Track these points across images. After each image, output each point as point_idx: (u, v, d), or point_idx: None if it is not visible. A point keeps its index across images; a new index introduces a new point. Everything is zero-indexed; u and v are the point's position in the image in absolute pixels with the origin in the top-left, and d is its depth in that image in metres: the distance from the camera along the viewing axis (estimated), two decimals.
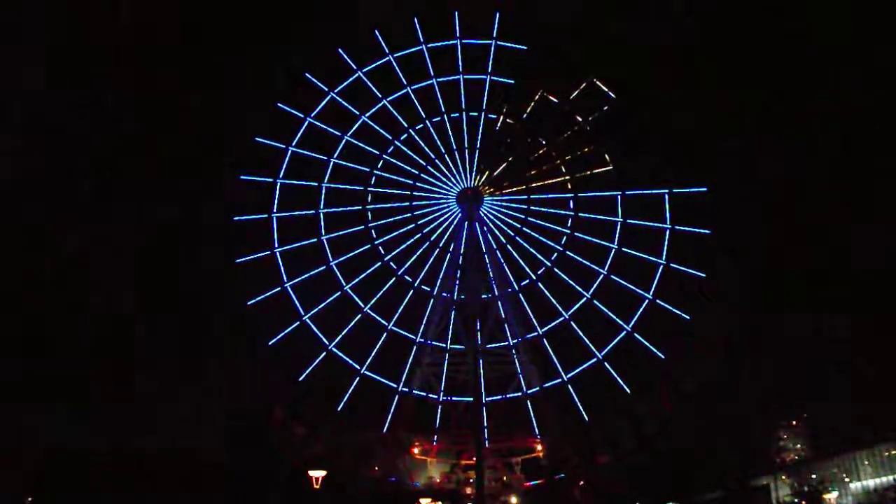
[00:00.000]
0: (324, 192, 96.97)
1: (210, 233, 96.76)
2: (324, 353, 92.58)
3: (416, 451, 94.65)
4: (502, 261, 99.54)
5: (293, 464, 68.85)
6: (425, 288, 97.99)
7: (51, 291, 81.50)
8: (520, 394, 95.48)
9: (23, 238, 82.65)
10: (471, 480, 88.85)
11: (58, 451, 65.74)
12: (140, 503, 63.51)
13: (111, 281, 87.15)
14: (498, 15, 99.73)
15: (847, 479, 73.61)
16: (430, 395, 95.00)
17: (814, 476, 73.43)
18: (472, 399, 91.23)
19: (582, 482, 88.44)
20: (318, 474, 48.52)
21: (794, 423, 78.48)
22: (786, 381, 77.76)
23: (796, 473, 74.66)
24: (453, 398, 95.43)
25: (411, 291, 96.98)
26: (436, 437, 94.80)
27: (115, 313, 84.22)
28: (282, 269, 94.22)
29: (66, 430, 68.59)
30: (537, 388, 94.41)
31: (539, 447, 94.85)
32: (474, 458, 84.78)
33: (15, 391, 68.06)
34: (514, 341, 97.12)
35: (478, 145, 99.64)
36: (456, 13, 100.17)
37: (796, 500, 73.03)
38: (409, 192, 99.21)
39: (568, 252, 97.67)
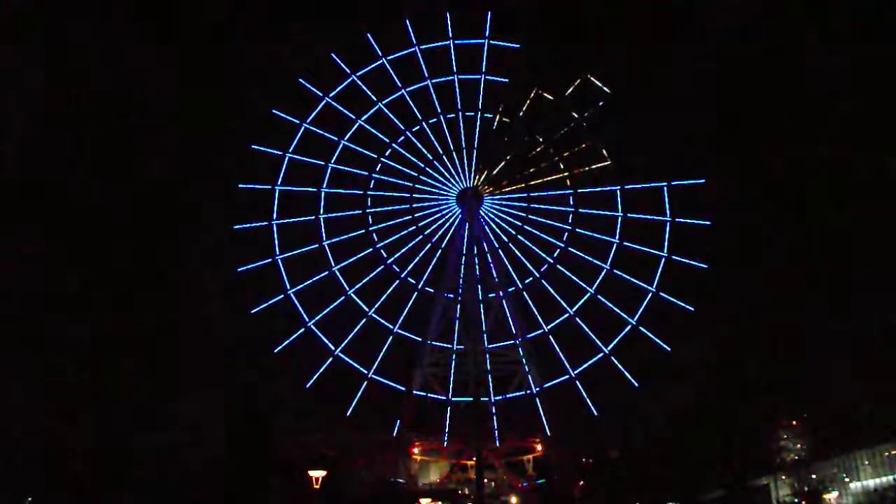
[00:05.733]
0: (323, 197, 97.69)
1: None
2: (330, 359, 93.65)
3: (415, 451, 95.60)
4: (505, 259, 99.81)
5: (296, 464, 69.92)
6: (429, 290, 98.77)
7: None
8: (523, 392, 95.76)
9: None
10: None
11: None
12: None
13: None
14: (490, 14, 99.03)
15: (847, 479, 72.87)
16: (438, 397, 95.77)
17: (814, 476, 72.73)
18: (472, 399, 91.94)
19: (582, 482, 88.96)
20: (318, 474, 48.30)
21: (795, 423, 77.70)
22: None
23: (796, 473, 73.97)
24: (459, 399, 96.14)
25: (415, 293, 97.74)
26: (446, 438, 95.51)
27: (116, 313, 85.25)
28: (284, 276, 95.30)
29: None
30: (538, 389, 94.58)
31: (539, 447, 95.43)
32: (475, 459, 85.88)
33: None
34: (519, 340, 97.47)
35: (475, 145, 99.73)
36: (448, 14, 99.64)
37: (796, 500, 72.52)
38: (408, 195, 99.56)
39: (570, 248, 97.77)
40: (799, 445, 76.73)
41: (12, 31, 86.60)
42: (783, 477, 76.12)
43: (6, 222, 78.49)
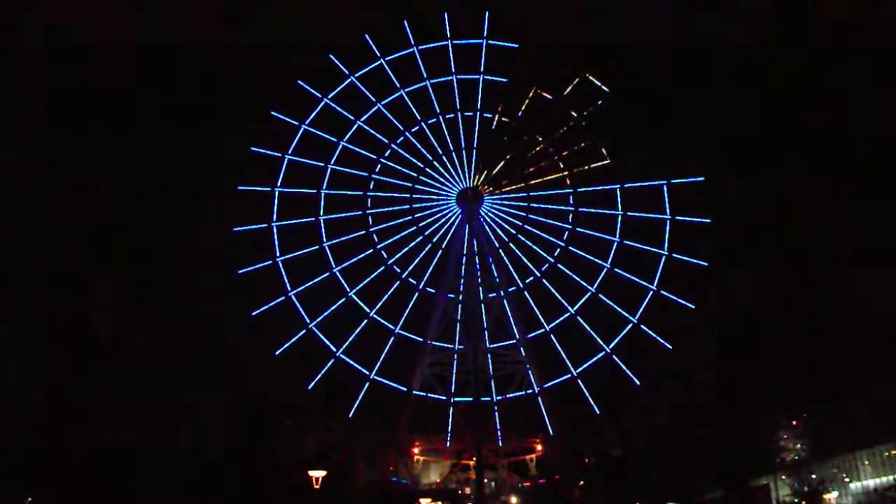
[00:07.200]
0: (323, 198, 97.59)
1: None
2: (332, 361, 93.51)
3: (416, 451, 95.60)
4: (505, 259, 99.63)
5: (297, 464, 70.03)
6: (430, 290, 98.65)
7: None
8: (524, 392, 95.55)
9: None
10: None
11: None
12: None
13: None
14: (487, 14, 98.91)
15: (847, 479, 72.57)
16: (439, 397, 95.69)
17: (814, 476, 72.44)
18: (473, 399, 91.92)
19: (583, 482, 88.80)
20: (318, 474, 48.58)
21: (795, 423, 77.31)
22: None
23: (796, 473, 73.66)
24: (460, 399, 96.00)
25: (416, 294, 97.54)
26: (448, 438, 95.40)
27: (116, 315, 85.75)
28: (284, 277, 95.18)
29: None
30: (539, 388, 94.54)
31: (540, 447, 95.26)
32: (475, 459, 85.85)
33: None
34: (520, 339, 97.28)
35: (475, 145, 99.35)
36: (446, 14, 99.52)
37: (796, 500, 72.25)
38: (408, 195, 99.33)
39: (570, 247, 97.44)
40: (799, 445, 76.28)
41: None
42: (783, 477, 75.78)
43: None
